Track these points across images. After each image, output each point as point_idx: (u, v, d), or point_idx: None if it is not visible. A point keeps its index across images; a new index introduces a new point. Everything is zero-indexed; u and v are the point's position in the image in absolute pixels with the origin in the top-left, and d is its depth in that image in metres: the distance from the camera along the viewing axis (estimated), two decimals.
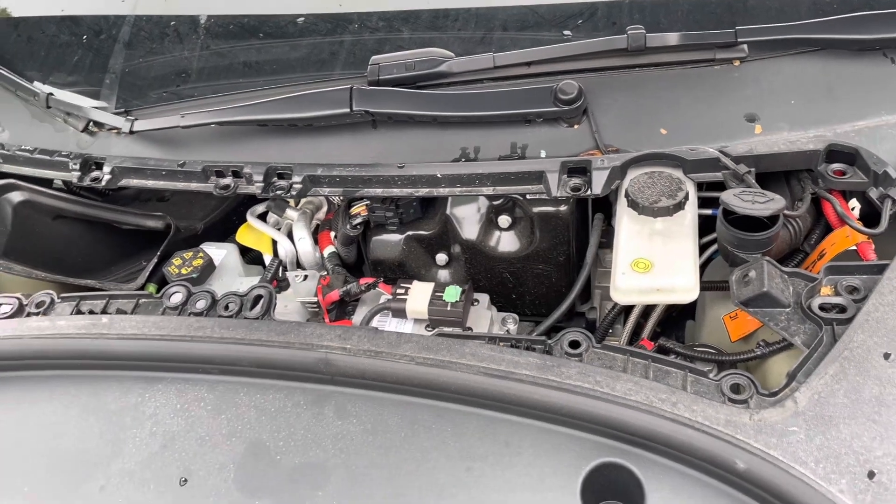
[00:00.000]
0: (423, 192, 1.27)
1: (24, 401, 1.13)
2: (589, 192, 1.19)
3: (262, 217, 1.58)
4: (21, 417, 1.11)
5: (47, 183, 1.56)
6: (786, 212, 1.09)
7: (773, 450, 0.88)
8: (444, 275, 1.46)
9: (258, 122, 1.33)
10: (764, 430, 0.90)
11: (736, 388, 0.96)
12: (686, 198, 1.15)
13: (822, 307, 1.00)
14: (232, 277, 1.43)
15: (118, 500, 1.01)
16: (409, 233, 1.41)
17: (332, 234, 1.49)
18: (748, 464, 0.86)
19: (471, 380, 0.99)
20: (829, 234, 1.21)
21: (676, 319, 1.49)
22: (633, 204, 1.15)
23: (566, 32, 1.34)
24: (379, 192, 1.28)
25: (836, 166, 1.15)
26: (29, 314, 1.24)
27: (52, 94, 1.49)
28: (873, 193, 1.12)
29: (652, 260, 1.09)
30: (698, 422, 0.91)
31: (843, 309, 0.99)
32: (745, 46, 1.24)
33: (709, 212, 1.26)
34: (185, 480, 1.02)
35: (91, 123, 1.49)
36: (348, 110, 1.28)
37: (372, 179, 1.28)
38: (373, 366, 1.03)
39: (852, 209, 1.19)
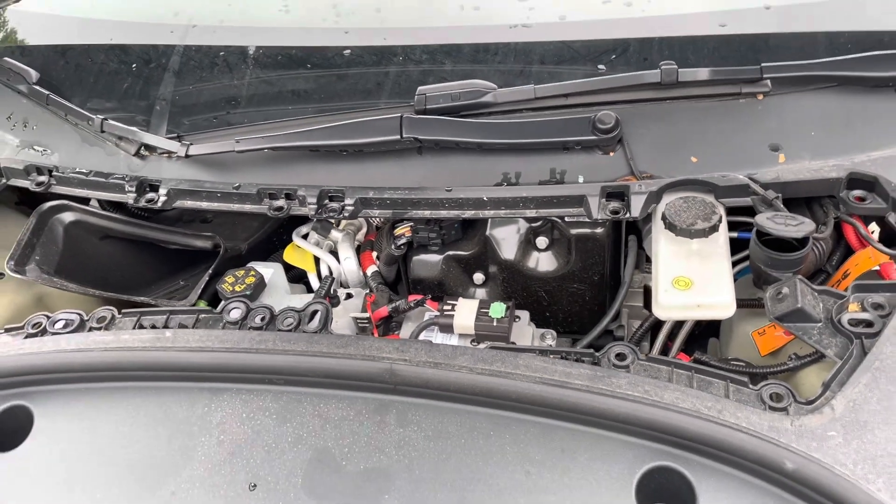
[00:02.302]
0: (469, 213, 1.34)
1: (93, 412, 1.16)
2: (627, 215, 1.27)
3: (303, 238, 1.64)
4: (92, 428, 1.14)
5: (85, 203, 1.62)
6: (813, 234, 1.18)
7: (815, 453, 0.93)
8: (480, 293, 1.52)
9: (311, 147, 1.40)
10: (805, 434, 0.95)
11: (775, 397, 1.01)
12: (720, 220, 1.23)
13: (851, 322, 1.07)
14: (280, 295, 1.48)
15: None
16: (449, 253, 1.48)
17: (374, 254, 1.56)
18: (796, 464, 0.92)
19: (529, 388, 1.04)
20: (849, 255, 1.29)
21: (699, 337, 1.57)
22: (670, 226, 1.23)
23: (600, 67, 1.42)
24: (427, 213, 1.36)
25: (857, 192, 1.24)
26: (91, 329, 1.29)
27: (106, 119, 1.55)
28: (892, 218, 1.21)
29: (691, 278, 1.16)
30: (744, 427, 0.97)
31: (870, 324, 1.06)
32: (768, 81, 1.33)
33: (734, 235, 1.35)
34: (255, 486, 1.05)
35: (142, 148, 1.55)
36: (398, 137, 1.35)
37: (420, 202, 1.35)
38: (436, 375, 1.08)
39: (872, 232, 1.28)
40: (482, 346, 1.21)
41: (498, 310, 1.32)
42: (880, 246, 1.20)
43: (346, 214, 1.36)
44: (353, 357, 1.13)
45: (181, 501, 1.06)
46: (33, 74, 1.66)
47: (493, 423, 1.07)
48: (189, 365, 1.18)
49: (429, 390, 1.09)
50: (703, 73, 1.33)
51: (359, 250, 1.59)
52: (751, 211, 1.27)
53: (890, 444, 0.94)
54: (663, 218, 1.25)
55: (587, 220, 1.29)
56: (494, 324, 1.31)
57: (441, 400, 1.10)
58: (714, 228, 1.22)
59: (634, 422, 1.00)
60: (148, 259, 1.69)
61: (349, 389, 1.13)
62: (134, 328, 1.28)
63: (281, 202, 1.40)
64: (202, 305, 1.47)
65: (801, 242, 1.16)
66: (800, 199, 1.31)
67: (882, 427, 0.95)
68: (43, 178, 1.57)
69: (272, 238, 1.70)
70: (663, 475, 0.99)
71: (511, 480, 1.01)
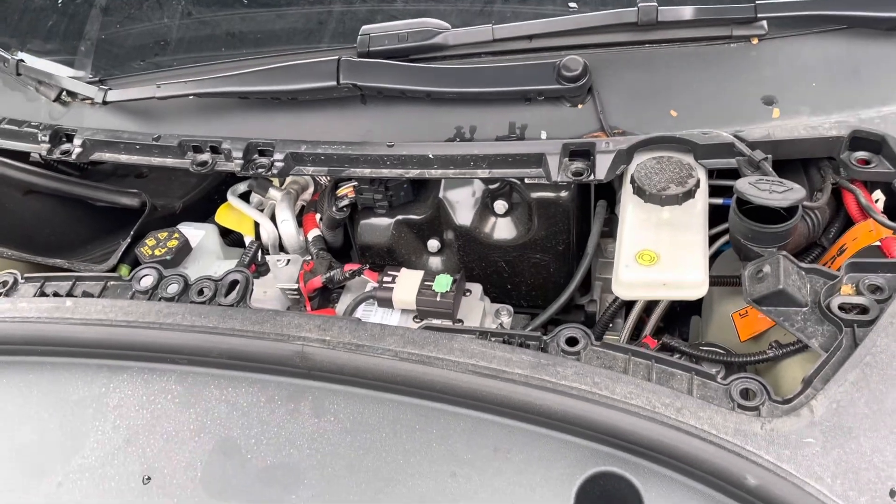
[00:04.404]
0: (413, 173, 1.18)
1: None
2: (592, 177, 1.11)
3: (245, 197, 1.49)
4: None
5: (23, 156, 1.48)
6: (805, 203, 1.01)
7: (787, 463, 0.82)
8: (435, 262, 1.38)
9: (239, 94, 1.24)
10: (776, 440, 0.84)
11: (746, 394, 0.89)
12: (697, 185, 1.07)
13: (843, 307, 0.93)
14: (210, 260, 1.35)
15: (77, 497, 0.95)
16: (400, 217, 1.33)
17: (318, 216, 1.40)
18: (760, 479, 0.78)
19: (458, 378, 0.93)
20: (849, 227, 1.13)
21: (680, 314, 1.42)
22: (639, 191, 1.07)
23: (571, 4, 1.26)
24: (367, 172, 1.20)
25: (860, 154, 1.07)
26: None
27: (22, 60, 1.40)
28: None
29: (658, 252, 1.01)
30: (705, 430, 0.84)
31: (864, 310, 0.92)
32: (764, 23, 1.16)
33: (719, 201, 1.18)
34: (149, 478, 0.96)
35: (64, 93, 1.40)
36: (335, 83, 1.19)
37: (359, 158, 1.20)
38: (352, 360, 0.96)
39: (876, 201, 1.12)
40: (416, 325, 1.07)
41: (443, 283, 1.17)
42: (883, 218, 1.03)
43: (276, 171, 1.20)
44: (265, 336, 1.00)
45: (67, 493, 0.96)
46: None
47: (419, 416, 0.95)
48: (87, 340, 1.07)
49: (344, 376, 0.96)
50: (687, 12, 1.17)
51: (303, 212, 1.44)
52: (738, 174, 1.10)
53: (877, 455, 0.81)
54: (632, 181, 1.08)
55: (547, 182, 1.13)
56: (438, 299, 1.16)
57: (362, 388, 0.97)
58: (689, 194, 1.06)
59: (575, 420, 0.88)
60: (81, 217, 1.56)
61: (261, 373, 1.02)
62: (35, 295, 1.16)
63: (205, 156, 1.25)
64: (124, 271, 1.33)
65: (789, 212, 0.99)
66: (795, 161, 1.15)
67: (869, 434, 0.83)
68: None
69: (212, 196, 1.56)
70: (609, 482, 0.88)
71: (435, 482, 0.90)
